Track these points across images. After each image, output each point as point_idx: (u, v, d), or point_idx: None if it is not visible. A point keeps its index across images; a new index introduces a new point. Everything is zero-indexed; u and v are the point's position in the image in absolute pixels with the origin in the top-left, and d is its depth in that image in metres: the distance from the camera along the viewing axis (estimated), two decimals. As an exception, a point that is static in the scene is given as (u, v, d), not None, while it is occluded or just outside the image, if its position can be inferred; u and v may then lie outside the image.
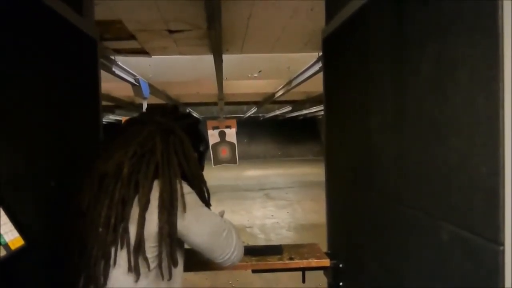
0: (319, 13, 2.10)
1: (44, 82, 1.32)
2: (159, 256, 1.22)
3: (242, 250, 1.35)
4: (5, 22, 1.10)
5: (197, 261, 1.54)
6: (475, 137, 0.84)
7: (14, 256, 0.98)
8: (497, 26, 0.75)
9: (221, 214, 1.44)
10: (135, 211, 1.20)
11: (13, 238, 0.99)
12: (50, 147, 1.33)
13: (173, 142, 1.31)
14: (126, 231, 1.19)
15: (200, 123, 1.56)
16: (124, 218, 1.19)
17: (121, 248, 1.20)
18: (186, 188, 1.27)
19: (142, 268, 1.21)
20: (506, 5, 0.74)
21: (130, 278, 1.21)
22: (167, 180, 1.23)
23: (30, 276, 1.17)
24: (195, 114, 12.88)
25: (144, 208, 1.19)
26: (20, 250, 1.00)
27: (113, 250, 1.20)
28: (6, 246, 0.96)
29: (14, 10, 1.14)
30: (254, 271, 1.91)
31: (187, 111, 4.67)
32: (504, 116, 0.75)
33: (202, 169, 1.46)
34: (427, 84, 1.03)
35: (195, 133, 1.47)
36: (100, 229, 1.20)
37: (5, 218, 0.98)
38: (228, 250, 1.29)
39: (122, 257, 1.21)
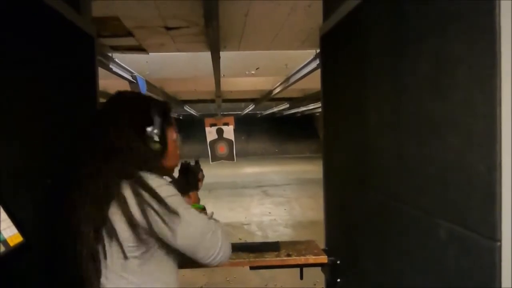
0: (317, 10, 2.10)
1: (41, 79, 1.32)
2: (146, 254, 1.23)
3: (228, 250, 1.31)
4: (3, 19, 1.10)
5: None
6: (472, 134, 0.85)
7: (13, 252, 0.98)
8: (495, 24, 0.75)
9: (210, 215, 1.41)
10: (113, 212, 1.20)
11: (11, 234, 0.99)
12: (47, 144, 1.32)
13: (114, 137, 1.28)
14: (110, 232, 1.20)
15: (145, 99, 1.42)
16: (103, 219, 1.20)
17: (106, 249, 1.21)
18: (168, 191, 1.24)
19: (133, 267, 1.22)
20: (504, 4, 0.75)
21: (123, 280, 1.22)
22: (136, 181, 1.22)
23: (29, 273, 1.17)
24: (192, 112, 12.86)
25: (121, 208, 1.19)
26: (19, 247, 1.00)
27: (100, 249, 1.21)
28: (5, 242, 0.96)
29: (11, 7, 1.14)
30: (251, 268, 1.91)
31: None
32: (502, 114, 0.76)
33: (163, 148, 1.37)
34: (424, 81, 1.04)
35: (141, 116, 1.36)
36: (84, 229, 1.20)
37: (3, 215, 0.98)
38: (213, 251, 1.26)
39: (111, 257, 1.21)
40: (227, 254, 1.30)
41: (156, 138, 1.34)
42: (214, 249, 1.26)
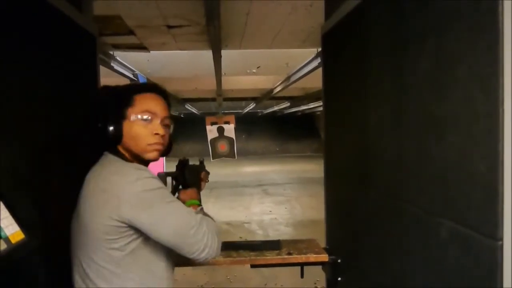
0: (318, 9, 2.10)
1: (43, 77, 1.32)
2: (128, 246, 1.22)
3: (216, 246, 1.26)
4: (4, 18, 1.10)
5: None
6: (474, 133, 0.85)
7: (15, 249, 0.98)
8: (498, 22, 0.76)
9: (198, 210, 1.37)
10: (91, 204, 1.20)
11: (13, 232, 0.99)
12: (49, 142, 1.33)
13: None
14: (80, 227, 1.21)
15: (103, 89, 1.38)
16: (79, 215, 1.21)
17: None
18: (148, 183, 1.20)
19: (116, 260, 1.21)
20: (507, 3, 0.75)
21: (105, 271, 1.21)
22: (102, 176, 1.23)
23: (30, 270, 1.17)
24: (193, 110, 12.86)
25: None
26: (21, 244, 1.01)
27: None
28: (6, 239, 0.96)
29: (12, 5, 1.14)
30: (252, 266, 1.91)
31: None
32: (504, 113, 0.76)
33: (116, 137, 1.29)
34: (426, 80, 1.04)
35: (96, 106, 1.32)
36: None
37: (5, 212, 0.98)
38: (197, 247, 1.21)
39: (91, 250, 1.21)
40: (214, 250, 1.26)
41: (111, 125, 1.27)
42: (199, 245, 1.22)
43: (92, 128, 1.27)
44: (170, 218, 1.19)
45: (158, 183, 1.21)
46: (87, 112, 1.32)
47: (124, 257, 1.21)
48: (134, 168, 1.22)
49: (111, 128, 1.27)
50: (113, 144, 1.29)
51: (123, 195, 1.15)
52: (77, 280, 1.23)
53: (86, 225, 1.19)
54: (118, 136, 1.28)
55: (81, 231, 1.21)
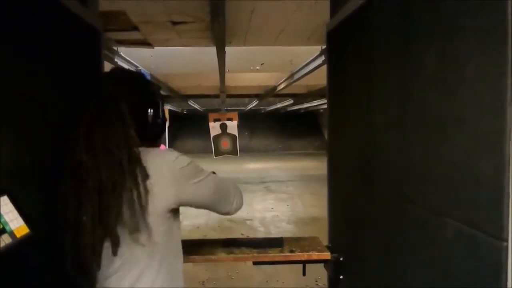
0: (323, 6, 2.09)
1: (47, 72, 1.32)
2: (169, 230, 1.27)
3: (240, 195, 1.49)
4: (10, 12, 1.10)
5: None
6: (480, 134, 0.84)
7: (19, 244, 0.99)
8: (506, 22, 0.75)
9: (214, 172, 1.46)
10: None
11: (18, 226, 0.99)
12: (53, 136, 1.33)
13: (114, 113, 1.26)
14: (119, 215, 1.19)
15: (143, 77, 1.43)
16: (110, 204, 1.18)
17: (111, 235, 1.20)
18: (183, 161, 1.27)
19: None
20: (516, 2, 0.74)
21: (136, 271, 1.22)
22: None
23: (35, 265, 1.18)
24: (196, 106, 12.87)
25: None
26: (25, 238, 1.01)
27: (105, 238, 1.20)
28: (11, 233, 0.97)
29: (17, 0, 1.14)
30: (254, 263, 1.92)
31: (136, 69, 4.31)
32: (511, 114, 0.75)
33: (162, 130, 1.43)
34: (432, 79, 1.03)
35: (140, 91, 1.37)
36: (84, 218, 1.19)
37: (10, 206, 0.99)
38: (230, 200, 1.42)
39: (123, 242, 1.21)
40: (240, 201, 1.48)
41: (159, 120, 1.38)
42: (231, 198, 1.42)
43: (149, 121, 1.34)
44: (207, 183, 1.32)
45: (187, 158, 1.31)
46: (142, 107, 1.34)
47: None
48: (169, 151, 1.32)
49: (162, 126, 1.40)
50: (158, 137, 1.43)
51: (170, 176, 1.24)
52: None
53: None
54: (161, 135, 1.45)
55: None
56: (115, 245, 1.19)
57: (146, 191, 1.17)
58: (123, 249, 1.21)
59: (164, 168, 1.23)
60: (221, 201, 1.38)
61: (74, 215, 1.18)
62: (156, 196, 1.20)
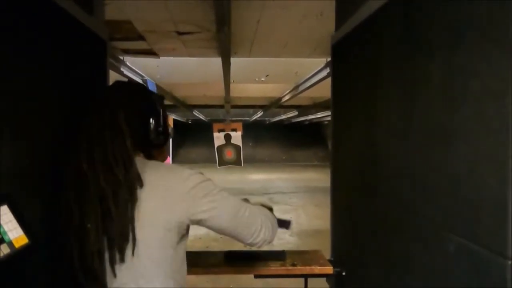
0: (329, 18, 2.10)
1: (50, 80, 1.32)
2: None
3: (271, 227, 1.36)
4: (16, 21, 1.11)
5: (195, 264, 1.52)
6: (484, 148, 0.83)
7: (18, 254, 0.98)
8: (510, 36, 0.74)
9: (245, 200, 1.43)
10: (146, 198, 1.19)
11: (17, 236, 0.99)
12: (56, 146, 1.33)
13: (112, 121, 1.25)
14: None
15: (143, 88, 1.44)
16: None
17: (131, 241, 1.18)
18: (199, 177, 1.26)
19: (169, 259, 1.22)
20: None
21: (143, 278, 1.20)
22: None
23: (36, 273, 1.17)
24: (201, 117, 12.91)
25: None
26: (24, 248, 1.00)
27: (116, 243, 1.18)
28: (10, 244, 0.96)
29: (23, 8, 1.15)
30: (256, 276, 1.90)
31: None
32: (516, 128, 0.74)
33: (165, 141, 1.40)
34: (436, 92, 1.03)
35: (147, 105, 1.36)
36: (88, 225, 1.17)
37: (9, 216, 0.98)
38: (254, 228, 1.30)
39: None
40: (270, 231, 1.35)
41: (160, 129, 1.35)
42: (255, 225, 1.30)
43: (151, 131, 1.32)
44: (225, 204, 1.26)
45: (204, 176, 1.28)
46: (142, 115, 1.33)
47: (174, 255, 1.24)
48: (181, 167, 1.29)
49: (164, 137, 1.37)
50: (161, 146, 1.40)
51: (183, 191, 1.21)
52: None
53: (147, 223, 1.19)
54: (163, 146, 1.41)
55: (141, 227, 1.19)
56: (120, 253, 1.18)
57: (136, 201, 1.17)
58: (128, 258, 1.19)
59: (177, 185, 1.22)
60: (243, 229, 1.29)
61: (78, 222, 1.18)
62: (166, 210, 1.19)
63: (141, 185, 1.18)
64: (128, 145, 1.22)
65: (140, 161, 1.24)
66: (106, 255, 1.19)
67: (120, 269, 1.20)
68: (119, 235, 1.16)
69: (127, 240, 1.17)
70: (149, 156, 1.34)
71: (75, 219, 1.18)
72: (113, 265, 1.19)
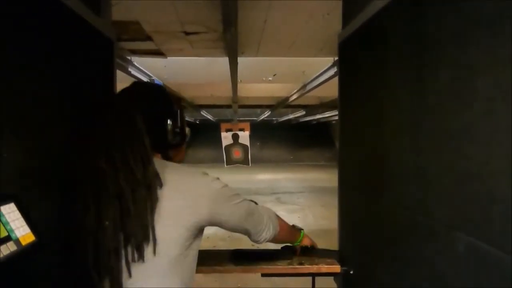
0: (335, 17, 2.09)
1: (59, 80, 1.33)
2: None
3: (272, 228, 1.48)
4: (24, 21, 1.11)
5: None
6: (493, 146, 0.83)
7: (25, 251, 0.98)
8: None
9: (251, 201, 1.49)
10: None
11: (24, 233, 0.99)
12: (62, 145, 1.33)
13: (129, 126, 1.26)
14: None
15: (162, 88, 1.45)
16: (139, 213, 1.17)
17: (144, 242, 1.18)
18: (220, 182, 1.31)
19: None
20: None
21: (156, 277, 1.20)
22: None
23: (43, 271, 1.18)
24: (209, 117, 12.93)
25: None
26: (31, 246, 1.01)
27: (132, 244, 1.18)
28: (17, 241, 0.97)
29: (30, 8, 1.16)
30: (263, 275, 1.90)
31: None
32: (525, 126, 0.74)
33: (182, 142, 1.43)
34: (445, 91, 1.02)
35: (164, 106, 1.39)
36: (107, 223, 1.18)
37: (16, 214, 0.99)
38: (260, 227, 1.43)
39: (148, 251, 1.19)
40: (273, 229, 1.49)
41: (178, 130, 1.38)
42: (263, 223, 1.44)
43: (167, 131, 1.35)
44: (241, 205, 1.36)
45: (222, 181, 1.34)
46: (160, 115, 1.35)
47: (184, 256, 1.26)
48: (201, 171, 1.32)
49: (181, 139, 1.41)
50: (178, 146, 1.43)
51: (207, 194, 1.26)
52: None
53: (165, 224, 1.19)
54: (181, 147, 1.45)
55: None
56: (139, 251, 1.18)
57: (157, 200, 1.18)
58: (148, 257, 1.19)
59: (201, 188, 1.26)
60: (252, 227, 1.41)
61: (95, 221, 1.18)
62: (189, 211, 1.22)
63: (161, 185, 1.19)
64: (147, 144, 1.23)
65: (158, 162, 1.25)
66: (122, 253, 1.19)
67: (136, 268, 1.20)
68: (138, 233, 1.17)
69: (147, 239, 1.17)
70: (166, 157, 1.37)
71: (91, 217, 1.18)
72: (128, 264, 1.19)
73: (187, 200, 1.22)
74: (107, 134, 1.23)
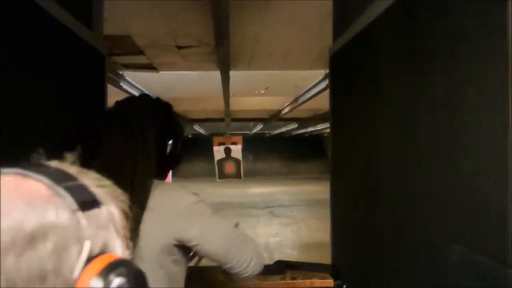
0: (327, 31, 2.10)
1: (49, 95, 1.32)
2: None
3: (260, 260, 1.26)
4: (12, 34, 1.11)
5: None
6: (484, 157, 0.83)
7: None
8: (508, 45, 0.74)
9: (236, 225, 1.37)
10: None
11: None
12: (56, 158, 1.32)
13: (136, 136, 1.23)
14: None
15: (171, 107, 1.42)
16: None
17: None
18: (193, 197, 1.22)
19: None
20: (516, 23, 0.73)
21: None
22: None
23: None
24: (201, 131, 12.92)
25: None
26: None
27: None
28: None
29: (23, 22, 1.15)
30: (256, 290, 1.87)
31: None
32: (515, 137, 0.74)
33: (178, 162, 1.38)
34: (435, 102, 1.02)
35: (165, 120, 1.35)
36: None
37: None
38: (245, 258, 1.21)
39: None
40: (259, 264, 1.25)
41: (177, 151, 1.34)
42: (247, 255, 1.22)
43: (168, 151, 1.31)
44: (218, 227, 1.22)
45: (198, 197, 1.24)
46: (167, 135, 1.31)
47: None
48: (179, 186, 1.28)
49: (178, 158, 1.36)
50: (171, 168, 1.39)
51: (175, 211, 1.18)
52: None
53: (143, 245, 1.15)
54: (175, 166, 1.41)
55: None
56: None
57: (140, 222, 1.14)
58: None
59: (170, 203, 1.20)
60: (234, 256, 1.20)
61: None
62: (158, 231, 1.16)
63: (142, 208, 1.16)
64: (152, 163, 1.21)
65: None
66: None
67: None
68: None
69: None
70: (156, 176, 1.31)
71: None
72: None
73: (156, 219, 1.16)
74: (115, 146, 1.21)
